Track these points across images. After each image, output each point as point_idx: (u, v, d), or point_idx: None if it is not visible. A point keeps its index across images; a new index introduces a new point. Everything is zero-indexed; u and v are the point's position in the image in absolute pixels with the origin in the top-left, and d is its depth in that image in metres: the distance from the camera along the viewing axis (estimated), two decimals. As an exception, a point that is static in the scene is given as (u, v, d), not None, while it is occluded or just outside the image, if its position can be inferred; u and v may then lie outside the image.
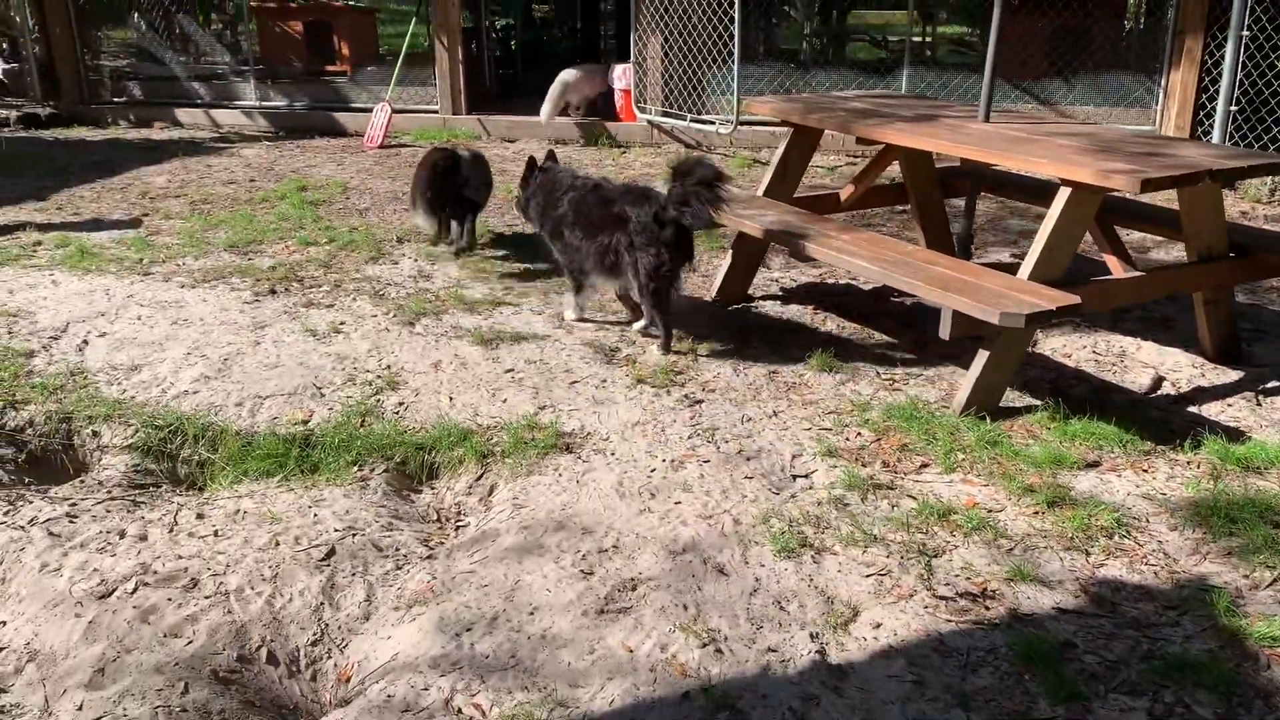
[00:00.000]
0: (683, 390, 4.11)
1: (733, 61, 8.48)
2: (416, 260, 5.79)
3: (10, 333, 4.60)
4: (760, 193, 5.19)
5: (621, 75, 9.47)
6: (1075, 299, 3.61)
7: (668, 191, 4.33)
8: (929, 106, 5.16)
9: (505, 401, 4.01)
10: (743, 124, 8.73)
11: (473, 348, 4.49)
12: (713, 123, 8.86)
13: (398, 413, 3.92)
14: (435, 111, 9.89)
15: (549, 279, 5.43)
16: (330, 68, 12.30)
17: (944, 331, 3.72)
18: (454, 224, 5.84)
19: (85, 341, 4.53)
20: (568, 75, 9.44)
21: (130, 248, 5.90)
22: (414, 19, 10.26)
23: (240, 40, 11.89)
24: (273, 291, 5.15)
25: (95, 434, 3.91)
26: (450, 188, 5.73)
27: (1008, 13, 9.20)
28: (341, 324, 4.73)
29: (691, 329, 4.74)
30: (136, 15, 11.92)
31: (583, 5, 14.01)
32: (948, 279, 3.83)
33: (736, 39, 8.29)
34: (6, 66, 11.38)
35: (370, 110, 9.65)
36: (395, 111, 9.62)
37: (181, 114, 10.44)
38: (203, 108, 10.47)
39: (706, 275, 5.58)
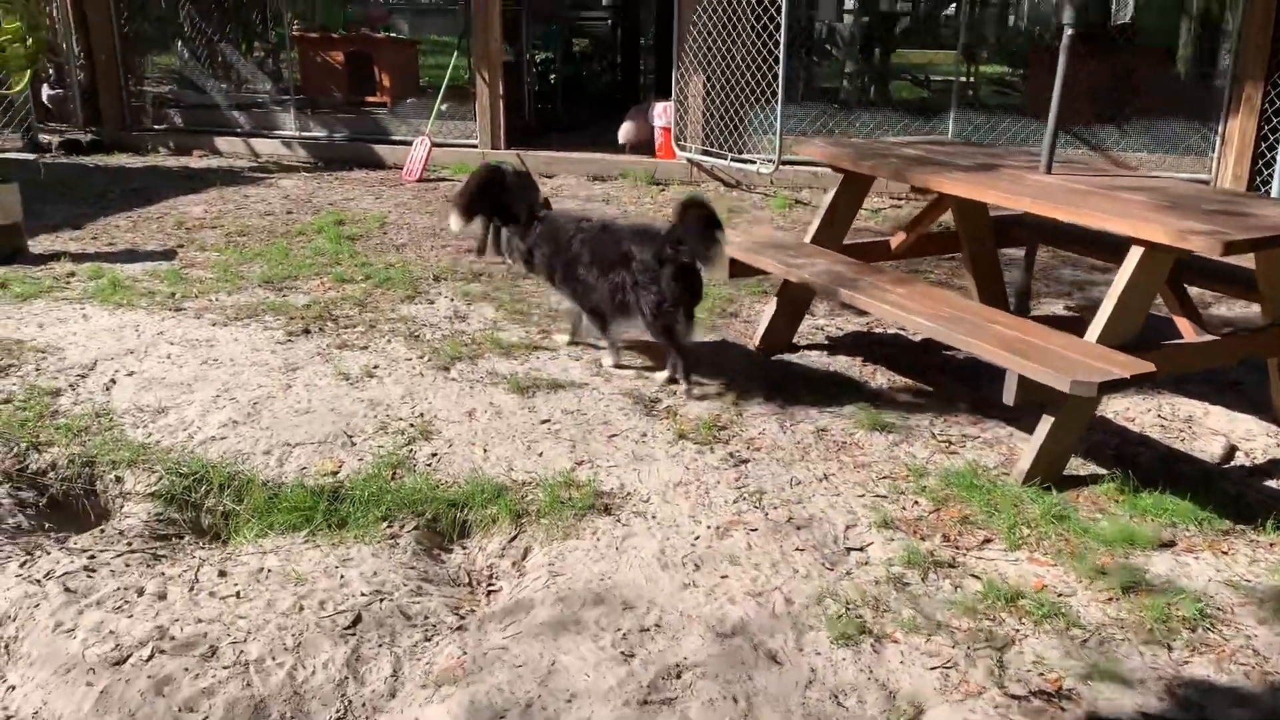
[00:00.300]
0: (726, 448, 3.92)
1: (776, 101, 8.34)
2: (453, 300, 5.66)
3: (38, 370, 4.50)
4: (808, 239, 5.02)
5: (661, 113, 9.36)
6: (1150, 366, 3.40)
7: (668, 231, 4.40)
8: (986, 155, 4.98)
9: (541, 455, 3.85)
10: (784, 163, 8.58)
11: (508, 395, 4.34)
12: (754, 162, 8.72)
13: (430, 465, 3.77)
14: (474, 146, 9.83)
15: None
16: (371, 99, 12.31)
17: (1009, 397, 3.52)
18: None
19: (113, 380, 4.42)
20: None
21: (164, 281, 5.81)
22: (455, 52, 10.24)
23: (281, 69, 11.90)
24: (306, 331, 5.03)
25: (118, 479, 3.78)
26: (495, 198, 5.59)
27: (1051, 57, 9.03)
28: (375, 368, 4.59)
29: (734, 379, 4.56)
30: (180, 43, 12.02)
31: (623, 41, 13.98)
32: (1011, 340, 3.63)
33: (780, 78, 8.17)
34: (51, 92, 11.44)
35: (409, 143, 9.60)
36: (435, 145, 9.56)
37: (221, 142, 10.45)
38: (242, 137, 10.47)
39: (749, 321, 5.41)
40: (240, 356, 4.69)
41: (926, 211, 5.10)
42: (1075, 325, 4.46)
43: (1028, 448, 3.72)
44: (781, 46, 8.05)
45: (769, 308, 5.04)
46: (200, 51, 11.70)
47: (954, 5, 14.91)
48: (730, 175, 9.05)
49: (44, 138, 10.59)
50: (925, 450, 3.97)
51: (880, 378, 4.72)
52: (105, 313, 5.21)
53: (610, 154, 9.67)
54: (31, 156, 9.97)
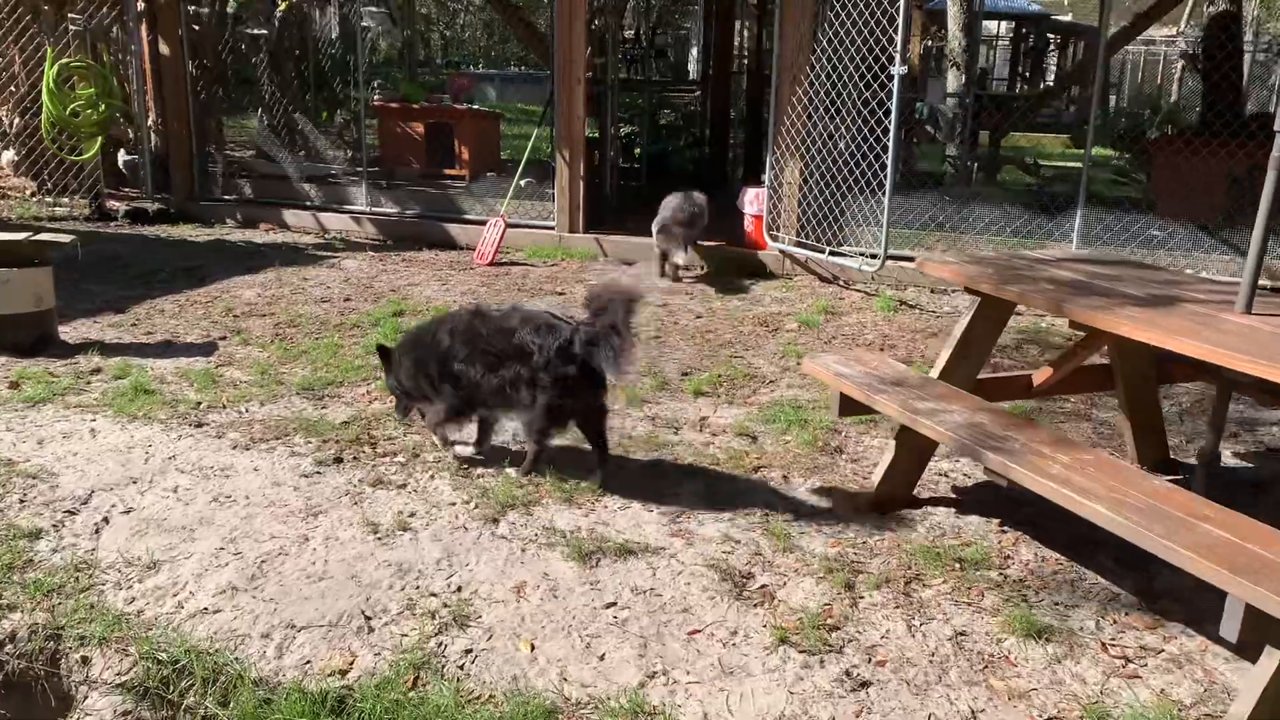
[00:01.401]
0: (841, 660, 3.07)
1: (883, 193, 7.55)
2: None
3: (23, 501, 3.85)
4: (935, 372, 4.18)
5: (753, 200, 8.63)
6: None
7: (576, 326, 3.99)
8: (1161, 282, 4.10)
9: (602, 659, 3.04)
10: (889, 258, 7.75)
11: (566, 564, 3.54)
12: (855, 258, 7.90)
13: (462, 667, 2.98)
14: (551, 228, 9.21)
15: (665, 451, 4.50)
16: (450, 171, 11.88)
17: (1229, 631, 2.62)
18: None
19: (105, 520, 3.74)
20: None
21: (193, 384, 5.19)
22: (536, 128, 9.68)
23: (361, 139, 11.52)
24: (338, 460, 4.32)
25: (85, 660, 3.08)
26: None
27: (1181, 154, 8.04)
28: (411, 516, 3.84)
29: (845, 547, 3.71)
30: (257, 111, 11.72)
31: (713, 116, 13.36)
32: (1229, 548, 2.73)
33: (890, 166, 7.37)
34: (127, 158, 11.19)
35: (484, 222, 9.03)
36: (510, 226, 8.97)
37: (289, 215, 10.01)
38: (311, 210, 10.02)
39: (856, 460, 4.57)
40: (257, 493, 3.99)
41: (1081, 346, 4.23)
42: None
43: (1244, 688, 2.80)
44: (891, 131, 7.28)
45: (886, 455, 4.20)
46: (278, 120, 11.37)
47: (1075, 88, 14.09)
48: (827, 269, 8.26)
49: (112, 204, 10.29)
50: (1096, 670, 3.07)
51: (1024, 551, 3.82)
52: (117, 427, 4.57)
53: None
54: (93, 227, 9.63)
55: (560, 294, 7.62)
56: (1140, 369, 4.42)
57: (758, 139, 13.75)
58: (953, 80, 12.78)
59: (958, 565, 3.67)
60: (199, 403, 4.92)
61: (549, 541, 3.70)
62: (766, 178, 8.41)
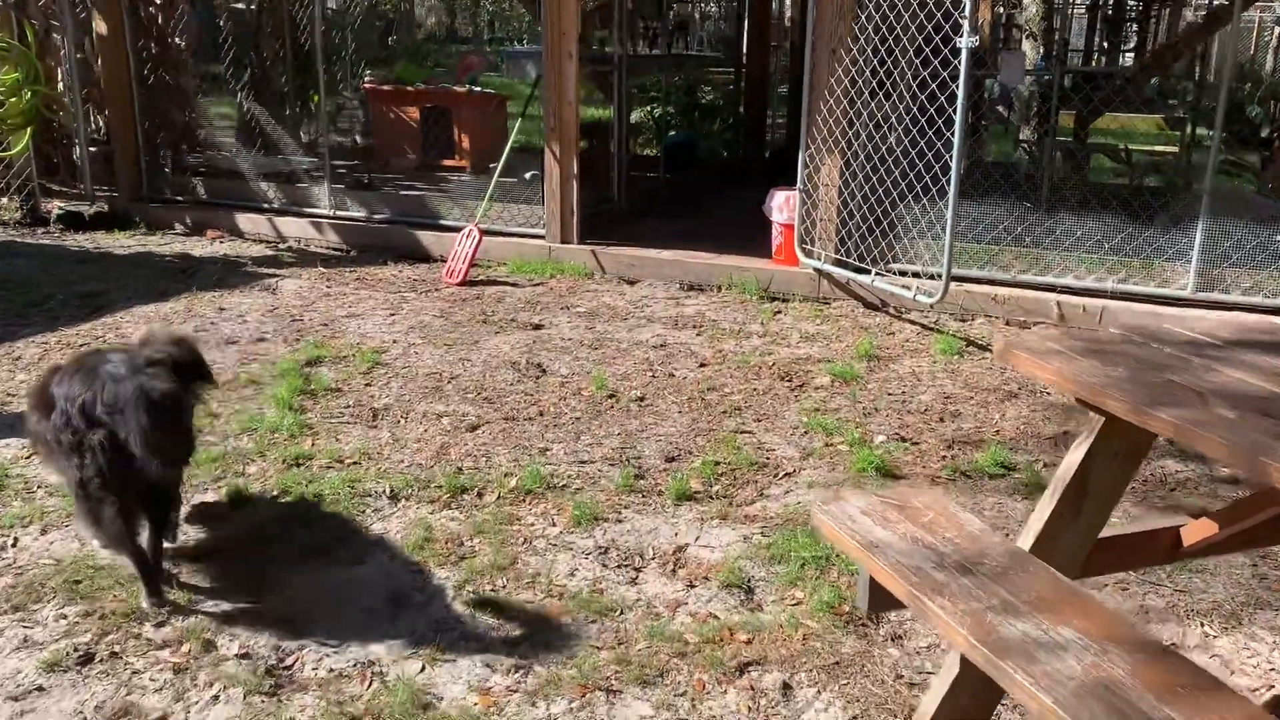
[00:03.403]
0: None
1: (945, 200, 5.85)
2: (395, 558, 3.40)
3: None
4: (1028, 542, 2.56)
5: (783, 205, 6.99)
6: None
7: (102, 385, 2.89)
8: None
9: None
10: (953, 278, 6.06)
11: None
12: (908, 285, 6.22)
13: None
14: (540, 237, 7.65)
15: (608, 621, 2.94)
16: (449, 162, 10.40)
17: None
18: None
19: None
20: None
21: (-29, 489, 3.74)
22: (520, 117, 8.07)
23: (323, 128, 10.03)
24: (85, 659, 2.77)
25: None
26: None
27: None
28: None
29: None
30: (239, 97, 10.27)
31: (748, 96, 11.64)
32: None
33: (956, 164, 5.65)
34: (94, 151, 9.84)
35: (462, 229, 7.51)
36: (489, 234, 7.43)
37: (244, 220, 8.56)
38: (268, 214, 8.56)
39: (897, 637, 2.97)
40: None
41: (1258, 499, 2.58)
42: None
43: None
44: (958, 119, 5.56)
45: (944, 673, 2.59)
46: (248, 113, 9.88)
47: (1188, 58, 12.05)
48: (873, 293, 6.60)
49: (51, 205, 8.93)
50: None
51: None
52: None
53: (711, 254, 7.34)
54: (13, 235, 8.29)
55: (537, 327, 6.08)
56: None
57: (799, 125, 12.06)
58: (1030, 52, 10.94)
59: None
60: (-47, 528, 3.47)
61: None
62: (799, 178, 6.75)
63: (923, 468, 4.25)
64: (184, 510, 3.53)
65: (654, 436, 4.52)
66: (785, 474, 4.18)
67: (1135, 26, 25.67)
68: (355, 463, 4.11)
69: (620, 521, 3.72)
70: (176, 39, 9.65)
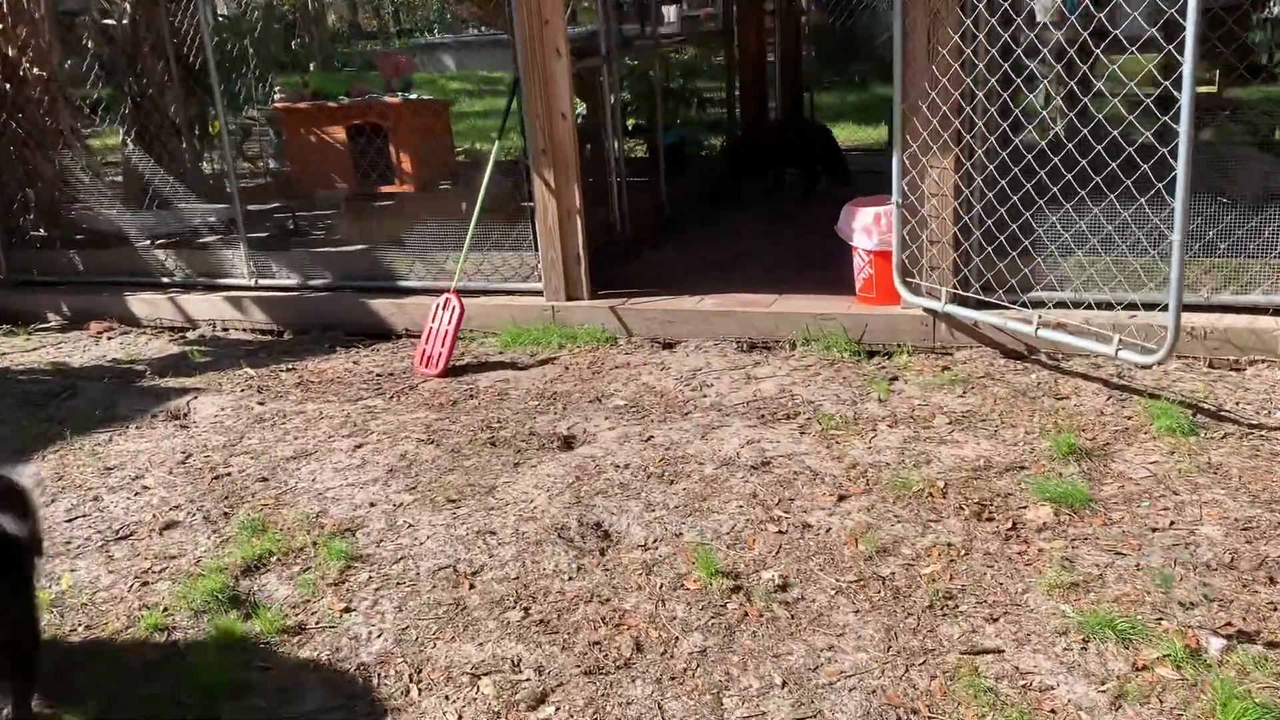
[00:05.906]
0: None
1: (1171, 208, 4.04)
2: None
3: None
4: None
5: (872, 225, 5.17)
6: None
7: None
8: None
9: None
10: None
11: None
12: (1107, 335, 4.42)
13: None
14: (538, 293, 5.74)
15: None
16: (388, 188, 8.39)
17: None
18: None
19: None
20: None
21: None
22: (497, 133, 6.05)
23: (231, 176, 8.03)
24: None
25: None
26: None
27: None
28: None
29: None
30: (122, 136, 8.18)
31: (742, 75, 9.74)
32: None
33: (1183, 148, 3.82)
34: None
35: (430, 292, 5.60)
36: (466, 294, 5.53)
37: (138, 302, 6.53)
38: (169, 292, 6.54)
39: None
40: None
41: None
42: None
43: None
44: (1185, 83, 3.73)
45: None
46: (129, 152, 7.78)
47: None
48: (1016, 338, 4.82)
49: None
50: None
51: None
52: None
53: (767, 294, 5.50)
54: None
55: (568, 444, 4.24)
56: None
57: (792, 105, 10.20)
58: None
59: None
60: None
61: None
62: (895, 188, 4.93)
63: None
64: None
65: (841, 678, 2.70)
66: (1094, 747, 2.39)
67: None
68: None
69: None
70: (37, 70, 7.52)
